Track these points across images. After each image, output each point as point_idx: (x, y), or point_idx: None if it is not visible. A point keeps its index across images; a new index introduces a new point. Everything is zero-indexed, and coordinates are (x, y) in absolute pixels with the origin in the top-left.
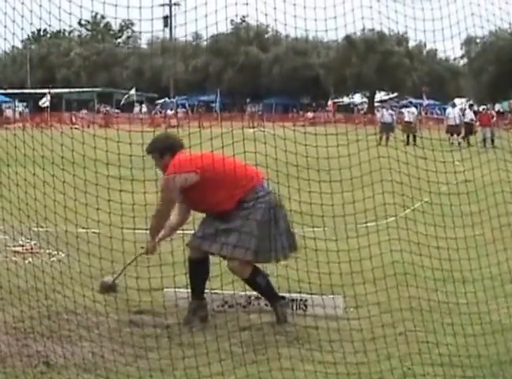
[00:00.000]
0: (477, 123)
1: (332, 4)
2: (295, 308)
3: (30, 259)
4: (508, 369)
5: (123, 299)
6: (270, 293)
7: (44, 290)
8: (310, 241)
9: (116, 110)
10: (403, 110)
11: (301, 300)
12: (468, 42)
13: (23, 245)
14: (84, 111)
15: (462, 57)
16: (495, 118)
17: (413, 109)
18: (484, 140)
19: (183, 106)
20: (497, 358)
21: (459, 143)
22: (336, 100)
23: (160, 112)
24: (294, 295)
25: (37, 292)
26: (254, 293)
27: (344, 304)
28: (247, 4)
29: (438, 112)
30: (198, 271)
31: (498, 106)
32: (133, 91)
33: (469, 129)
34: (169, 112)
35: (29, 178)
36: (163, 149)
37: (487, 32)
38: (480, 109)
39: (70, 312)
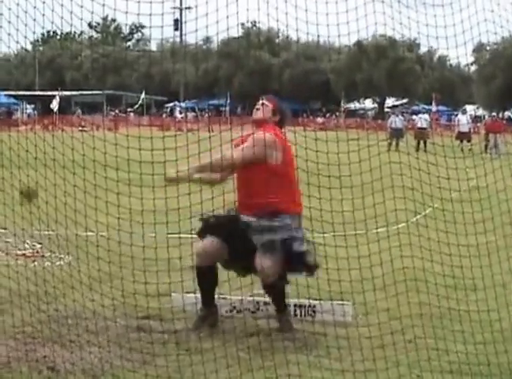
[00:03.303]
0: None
1: (344, 10)
2: (303, 314)
3: (36, 262)
4: None
5: (131, 304)
6: (284, 302)
7: (54, 294)
8: (320, 247)
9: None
10: (415, 116)
11: (310, 306)
12: (479, 48)
13: (29, 248)
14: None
15: (473, 63)
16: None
17: (426, 115)
18: (495, 146)
19: (193, 109)
20: (507, 366)
21: (469, 149)
22: (346, 106)
23: (171, 115)
24: (303, 301)
25: (46, 296)
26: (263, 298)
27: (354, 311)
28: (259, 9)
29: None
30: (207, 279)
31: (508, 113)
32: (143, 95)
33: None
34: (178, 116)
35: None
36: (281, 111)
37: (499, 39)
38: (488, 116)
39: (78, 317)
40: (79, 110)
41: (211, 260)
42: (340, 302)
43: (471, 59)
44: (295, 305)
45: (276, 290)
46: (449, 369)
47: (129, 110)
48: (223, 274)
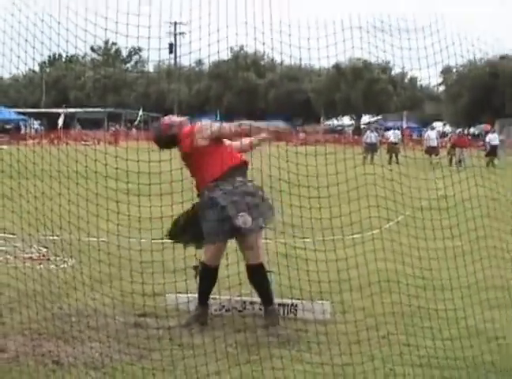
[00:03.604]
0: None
1: (324, 35)
2: (286, 312)
3: (42, 265)
4: (482, 370)
5: (129, 303)
6: (271, 293)
7: (58, 294)
8: (301, 251)
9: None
10: (388, 132)
11: (292, 305)
12: (447, 70)
13: (36, 252)
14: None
15: (440, 84)
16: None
17: (397, 131)
18: (460, 160)
19: None
20: (472, 360)
21: (437, 162)
22: (326, 122)
23: None
24: (285, 300)
25: (51, 295)
26: (249, 298)
27: (332, 309)
28: (247, 34)
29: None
30: (210, 279)
31: (473, 130)
32: (140, 112)
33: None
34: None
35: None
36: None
37: (465, 61)
38: (456, 132)
39: (80, 314)
40: (78, 126)
41: (219, 260)
42: (320, 302)
43: (439, 80)
44: (278, 304)
45: (262, 272)
46: (420, 363)
47: (129, 125)
48: None
